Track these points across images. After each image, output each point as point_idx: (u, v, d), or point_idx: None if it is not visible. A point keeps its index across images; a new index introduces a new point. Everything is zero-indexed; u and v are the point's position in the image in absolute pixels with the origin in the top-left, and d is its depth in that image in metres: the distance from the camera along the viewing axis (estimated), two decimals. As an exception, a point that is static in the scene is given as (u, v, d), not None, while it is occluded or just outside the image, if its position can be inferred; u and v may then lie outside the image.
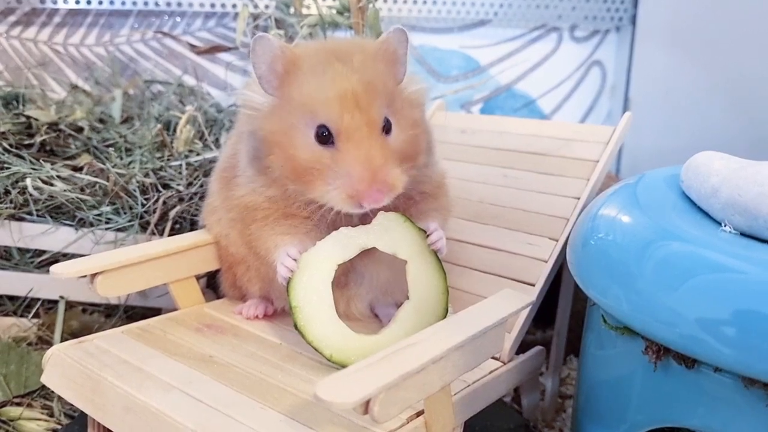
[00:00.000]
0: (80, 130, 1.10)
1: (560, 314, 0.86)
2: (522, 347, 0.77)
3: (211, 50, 1.37)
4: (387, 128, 0.66)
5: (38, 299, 0.98)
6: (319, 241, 0.69)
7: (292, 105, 0.66)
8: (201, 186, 0.99)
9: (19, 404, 0.86)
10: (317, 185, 0.65)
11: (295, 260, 0.68)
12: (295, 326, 0.67)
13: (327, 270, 0.69)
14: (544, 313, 0.84)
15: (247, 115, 0.71)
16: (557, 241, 0.81)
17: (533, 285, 0.78)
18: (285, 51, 0.67)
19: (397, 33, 0.69)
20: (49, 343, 0.94)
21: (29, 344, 0.94)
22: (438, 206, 0.75)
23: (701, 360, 0.54)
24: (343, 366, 0.66)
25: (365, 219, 0.71)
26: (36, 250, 0.97)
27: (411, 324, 0.70)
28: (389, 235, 0.70)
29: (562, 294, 0.85)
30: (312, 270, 0.68)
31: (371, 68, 0.67)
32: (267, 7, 1.30)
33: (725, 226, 0.59)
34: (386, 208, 0.71)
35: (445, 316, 0.71)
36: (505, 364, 0.73)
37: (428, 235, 0.71)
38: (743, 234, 0.58)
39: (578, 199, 0.83)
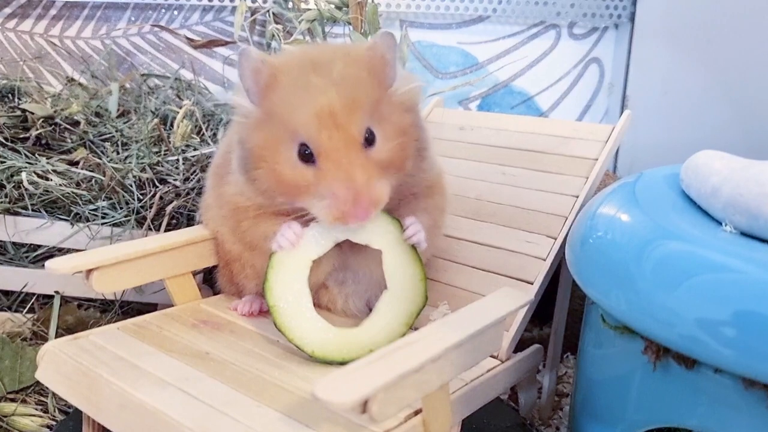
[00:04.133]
0: (76, 124, 1.10)
1: (558, 312, 0.85)
2: (518, 345, 0.77)
3: (209, 44, 1.36)
4: (370, 140, 0.65)
5: (33, 294, 0.97)
6: None
7: (275, 120, 0.66)
8: (198, 181, 0.99)
9: (13, 400, 0.85)
10: (304, 199, 0.65)
11: (296, 235, 0.68)
12: (275, 325, 0.67)
13: (301, 267, 0.69)
14: (540, 310, 0.84)
15: (237, 121, 0.70)
16: (556, 239, 0.81)
17: (531, 283, 0.78)
18: (266, 64, 0.66)
19: (384, 37, 0.67)
20: (44, 339, 0.93)
21: (24, 339, 0.93)
22: (427, 205, 0.74)
23: (701, 360, 0.53)
24: (326, 361, 0.66)
25: None
26: (31, 244, 0.96)
27: (391, 314, 0.70)
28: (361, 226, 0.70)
29: (560, 292, 0.85)
30: (286, 268, 0.68)
31: (352, 78, 0.65)
32: (265, 1, 1.29)
33: (725, 225, 0.58)
34: None
35: (424, 304, 0.71)
36: (503, 362, 0.73)
37: (404, 230, 0.71)
38: (743, 234, 0.57)
39: (577, 197, 0.83)
